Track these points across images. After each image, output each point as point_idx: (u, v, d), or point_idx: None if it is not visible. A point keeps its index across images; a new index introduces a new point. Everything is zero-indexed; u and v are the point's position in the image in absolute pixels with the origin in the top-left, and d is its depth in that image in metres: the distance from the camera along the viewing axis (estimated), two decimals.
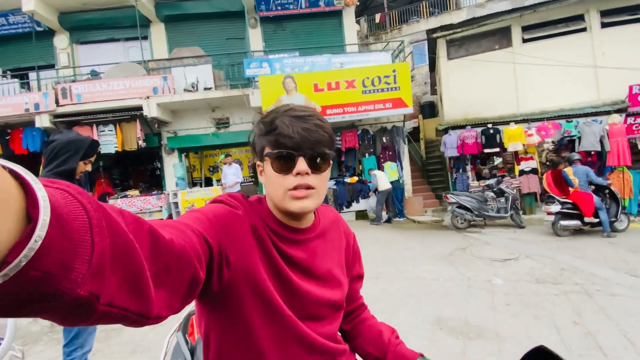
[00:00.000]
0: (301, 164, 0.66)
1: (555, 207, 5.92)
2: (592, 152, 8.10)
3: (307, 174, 0.66)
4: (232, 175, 7.52)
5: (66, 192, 0.32)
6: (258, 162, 0.73)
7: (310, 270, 0.75)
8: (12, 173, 0.27)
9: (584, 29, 8.78)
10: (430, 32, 9.90)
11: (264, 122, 0.70)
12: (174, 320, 1.10)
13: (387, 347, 0.84)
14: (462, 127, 9.05)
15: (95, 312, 0.32)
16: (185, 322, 0.99)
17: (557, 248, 5.20)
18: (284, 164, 0.67)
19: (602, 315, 2.96)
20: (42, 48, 9.83)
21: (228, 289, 0.63)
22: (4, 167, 0.27)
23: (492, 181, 7.54)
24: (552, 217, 5.98)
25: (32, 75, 9.29)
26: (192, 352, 0.88)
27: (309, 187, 0.67)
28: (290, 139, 0.65)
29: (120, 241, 0.35)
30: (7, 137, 8.41)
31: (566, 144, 8.67)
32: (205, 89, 8.46)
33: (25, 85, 9.37)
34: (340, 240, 0.86)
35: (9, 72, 9.48)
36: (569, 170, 6.03)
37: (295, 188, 0.66)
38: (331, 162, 0.72)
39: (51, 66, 10.03)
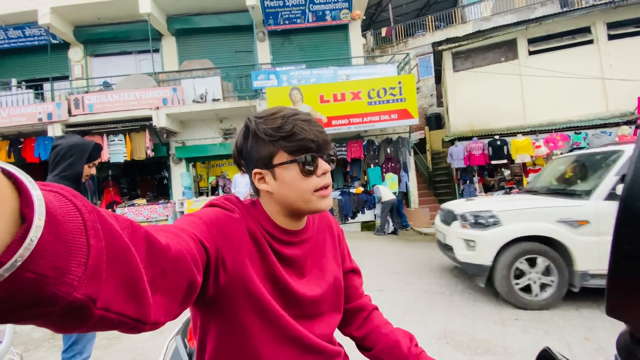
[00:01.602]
0: (324, 164, 0.70)
1: None
2: None
3: (328, 172, 0.72)
4: (244, 185, 7.50)
5: (59, 194, 0.31)
6: (258, 170, 0.70)
7: (304, 269, 0.76)
8: (6, 173, 0.27)
9: (590, 41, 8.79)
10: (436, 44, 9.99)
11: (271, 128, 0.67)
12: (174, 326, 1.10)
13: (407, 358, 0.80)
14: (469, 138, 9.02)
15: (92, 317, 0.31)
16: (184, 326, 0.98)
17: None
18: (310, 167, 0.68)
19: (614, 331, 2.81)
20: (57, 60, 10.16)
21: (223, 293, 0.62)
22: None
23: (500, 193, 7.46)
24: None
25: (47, 86, 9.58)
26: (191, 356, 0.87)
27: (329, 185, 0.73)
28: (314, 143, 0.68)
29: (116, 244, 0.34)
30: (20, 146, 8.62)
31: None
32: (214, 100, 8.62)
33: (40, 96, 9.64)
34: (332, 234, 0.87)
35: (24, 83, 9.79)
36: None
37: (322, 188, 0.70)
38: None
39: (65, 77, 10.35)
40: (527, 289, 3.47)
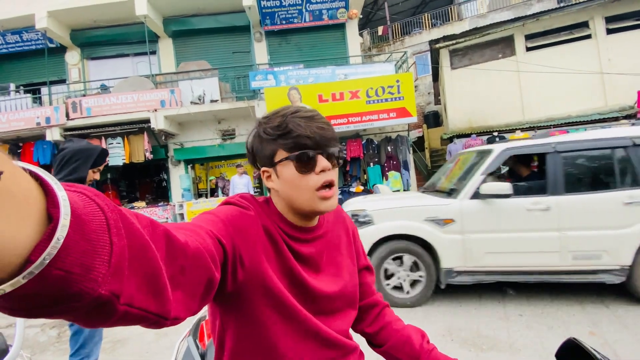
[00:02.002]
0: (323, 161, 0.68)
1: None
2: None
3: (329, 169, 0.69)
4: (242, 186, 7.47)
5: (83, 194, 0.32)
6: (265, 169, 0.72)
7: (320, 266, 0.76)
8: (32, 175, 0.28)
9: (588, 36, 8.80)
10: (433, 42, 10.00)
11: (271, 127, 0.69)
12: (181, 329, 1.09)
13: (419, 354, 0.81)
14: (467, 135, 9.03)
15: (116, 312, 0.33)
16: (195, 327, 0.98)
17: None
18: (307, 165, 0.67)
19: (619, 325, 2.86)
20: (54, 64, 10.14)
21: (242, 289, 0.63)
22: (24, 169, 0.28)
23: None
24: None
25: (44, 90, 9.54)
26: (203, 357, 0.87)
27: (332, 184, 0.70)
28: (310, 139, 0.67)
29: (137, 242, 0.35)
30: (19, 151, 8.59)
31: None
32: (212, 101, 8.59)
33: (38, 100, 9.61)
34: (347, 231, 0.86)
35: (22, 88, 9.75)
36: None
37: (322, 186, 0.68)
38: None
39: (62, 81, 10.32)
40: (399, 286, 3.55)
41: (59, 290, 0.28)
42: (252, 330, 0.67)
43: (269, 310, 0.67)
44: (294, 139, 0.67)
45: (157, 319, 0.39)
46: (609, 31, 8.63)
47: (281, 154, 0.68)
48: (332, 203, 0.71)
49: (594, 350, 0.53)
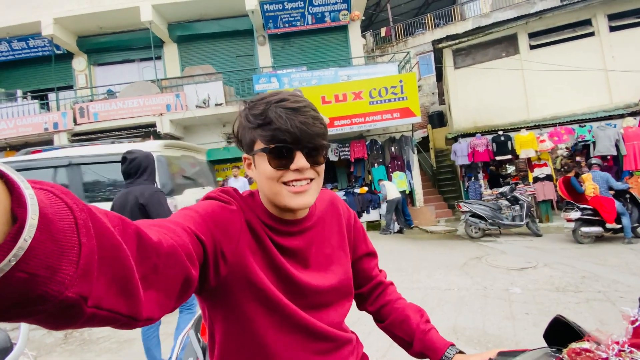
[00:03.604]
0: (300, 160, 0.63)
1: (575, 214, 5.75)
2: (608, 157, 7.91)
3: (306, 169, 0.65)
4: (239, 189, 7.53)
5: (50, 192, 0.31)
6: (245, 155, 0.70)
7: (308, 260, 0.73)
8: None
9: (592, 34, 8.73)
10: (436, 42, 9.97)
11: (253, 114, 0.64)
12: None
13: (414, 333, 0.81)
14: (472, 135, 8.98)
15: (83, 314, 0.31)
16: (197, 322, 0.99)
17: (576, 256, 5.02)
18: (282, 160, 0.63)
19: (626, 322, 2.82)
20: (61, 70, 10.31)
21: (226, 283, 0.62)
22: None
23: (505, 189, 7.39)
24: (572, 225, 5.80)
25: (52, 96, 9.70)
26: (204, 350, 0.88)
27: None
28: (289, 134, 0.62)
29: (107, 242, 0.34)
30: None
31: (580, 149, 8.50)
32: (216, 104, 8.68)
33: (45, 106, 9.78)
34: (339, 221, 0.83)
35: (29, 94, 9.93)
36: (588, 176, 5.90)
37: (293, 182, 0.65)
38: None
39: (70, 87, 10.48)
40: None
41: (22, 293, 0.26)
42: (238, 324, 0.66)
43: (254, 304, 0.65)
44: (272, 131, 0.62)
45: (128, 320, 0.37)
46: (612, 28, 8.55)
47: (259, 144, 0.65)
48: (305, 200, 0.66)
49: (579, 326, 0.54)
